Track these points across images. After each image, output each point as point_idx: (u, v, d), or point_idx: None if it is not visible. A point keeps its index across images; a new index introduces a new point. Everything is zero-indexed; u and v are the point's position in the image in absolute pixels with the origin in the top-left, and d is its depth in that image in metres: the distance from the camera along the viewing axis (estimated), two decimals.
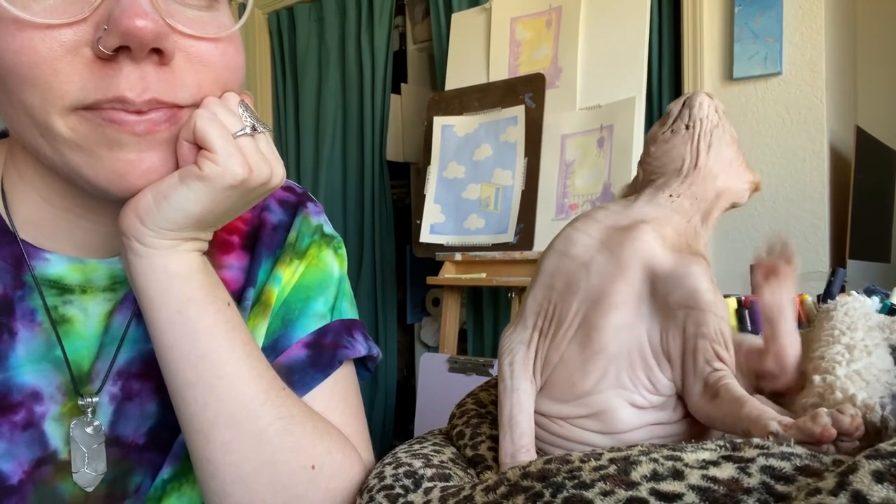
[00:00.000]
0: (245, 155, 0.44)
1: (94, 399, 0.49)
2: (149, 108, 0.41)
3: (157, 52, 0.40)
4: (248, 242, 0.58)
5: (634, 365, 0.45)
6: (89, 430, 0.49)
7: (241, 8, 0.48)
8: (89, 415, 0.49)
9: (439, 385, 1.83)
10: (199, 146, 0.43)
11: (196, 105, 0.44)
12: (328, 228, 0.62)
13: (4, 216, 0.49)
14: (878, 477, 0.27)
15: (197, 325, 0.45)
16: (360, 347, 0.58)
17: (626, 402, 0.45)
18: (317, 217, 0.61)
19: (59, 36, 0.39)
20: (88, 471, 0.49)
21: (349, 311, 0.60)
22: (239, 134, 0.45)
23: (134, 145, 0.42)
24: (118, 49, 0.39)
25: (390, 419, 2.54)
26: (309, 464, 0.48)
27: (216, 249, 0.55)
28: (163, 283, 0.45)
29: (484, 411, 0.55)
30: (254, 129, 0.46)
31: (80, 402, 0.49)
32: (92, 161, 0.42)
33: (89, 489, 0.49)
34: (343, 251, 0.62)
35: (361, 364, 0.61)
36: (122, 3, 0.38)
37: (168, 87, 0.42)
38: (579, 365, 0.46)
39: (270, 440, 0.47)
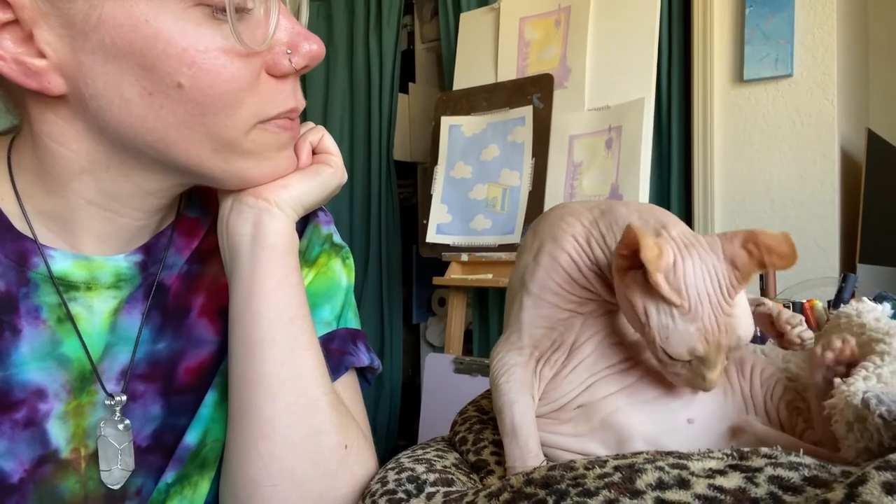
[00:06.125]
0: (344, 167, 0.58)
1: (123, 398, 0.51)
2: (297, 115, 0.51)
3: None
4: None
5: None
6: (120, 427, 0.50)
7: None
8: (118, 413, 0.50)
9: (444, 386, 1.83)
10: (314, 151, 0.56)
11: None
12: (337, 238, 0.63)
13: (15, 213, 0.48)
14: (888, 488, 0.27)
15: (295, 290, 0.51)
16: (364, 357, 0.59)
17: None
18: (327, 227, 0.62)
19: (255, 62, 0.45)
20: (120, 468, 0.50)
21: (353, 321, 0.61)
22: None
23: (288, 144, 0.51)
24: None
25: (395, 419, 2.54)
26: (343, 443, 0.51)
27: None
28: (285, 246, 0.51)
29: (486, 417, 0.55)
30: None
31: (108, 402, 0.50)
32: (261, 163, 0.49)
33: (116, 487, 0.50)
34: (351, 262, 0.63)
35: (361, 375, 0.62)
36: (301, 31, 0.47)
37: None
38: (570, 369, 0.48)
39: (322, 410, 0.50)
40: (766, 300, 0.48)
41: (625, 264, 0.42)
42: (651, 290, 0.40)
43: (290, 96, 0.48)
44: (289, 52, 0.46)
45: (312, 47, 0.47)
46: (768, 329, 0.48)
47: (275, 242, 0.51)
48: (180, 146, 0.45)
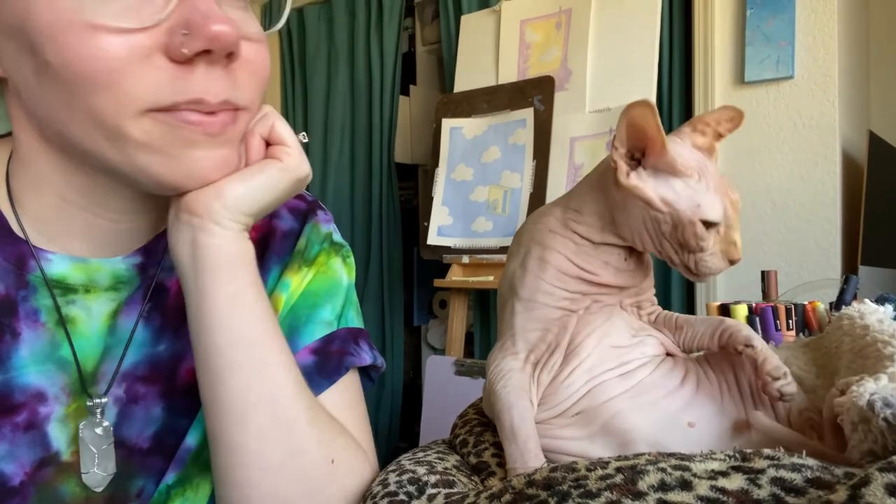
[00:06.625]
0: (304, 156, 0.50)
1: (103, 400, 0.49)
2: (220, 109, 0.43)
3: (229, 54, 0.42)
4: (257, 249, 0.58)
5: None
6: (99, 430, 0.49)
7: (263, 10, 0.50)
8: (98, 415, 0.49)
9: (445, 388, 1.83)
10: (268, 144, 0.49)
11: (247, 107, 0.46)
12: (337, 237, 0.62)
13: (11, 216, 0.49)
14: (892, 490, 0.27)
15: (252, 309, 0.47)
16: (366, 356, 0.58)
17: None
18: (326, 225, 0.62)
19: (136, 40, 0.40)
20: (98, 471, 0.49)
21: (355, 319, 0.61)
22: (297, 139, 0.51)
23: (206, 144, 0.44)
24: (196, 53, 0.41)
25: (396, 421, 2.54)
26: (329, 457, 0.48)
27: None
28: (230, 264, 0.46)
29: (486, 420, 0.55)
30: (304, 137, 0.52)
31: (88, 404, 0.49)
32: (166, 160, 0.43)
33: (98, 489, 0.49)
34: (351, 260, 0.62)
35: (365, 374, 0.61)
36: (201, 9, 0.40)
37: (232, 89, 0.44)
38: (567, 373, 0.48)
39: (300, 429, 0.47)
40: (755, 342, 0.45)
41: (626, 168, 0.45)
42: (660, 178, 0.44)
43: (196, 85, 0.41)
44: (185, 32, 0.40)
45: (215, 28, 0.40)
46: (752, 375, 0.46)
47: (216, 261, 0.46)
48: (74, 131, 0.43)
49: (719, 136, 0.48)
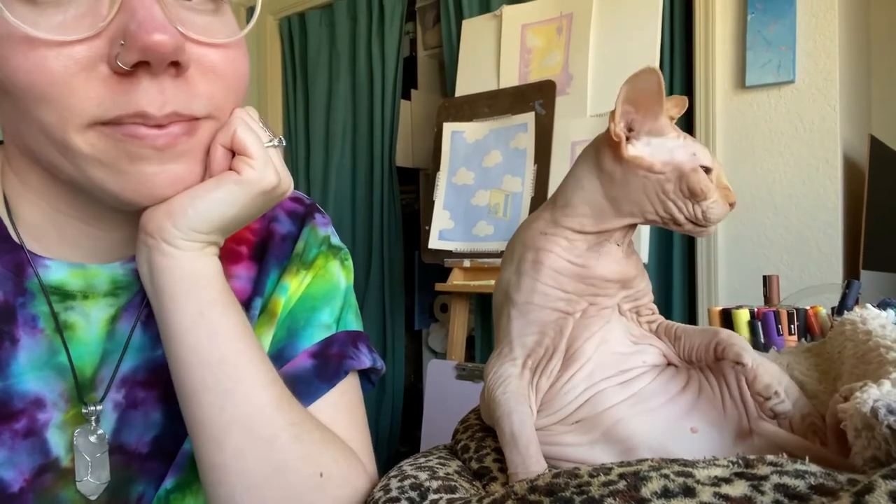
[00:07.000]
0: (274, 164, 0.47)
1: (98, 407, 0.49)
2: (168, 121, 0.41)
3: (174, 63, 0.40)
4: (256, 253, 0.58)
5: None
6: (93, 438, 0.49)
7: (249, 12, 0.48)
8: (93, 423, 0.49)
9: (446, 392, 1.83)
10: (233, 153, 0.46)
11: (210, 116, 0.44)
12: (335, 240, 0.62)
13: (7, 223, 0.49)
14: (895, 497, 0.26)
15: (218, 327, 0.46)
16: (365, 359, 0.58)
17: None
18: (324, 228, 0.61)
19: (74, 53, 0.39)
20: (92, 479, 0.48)
21: (354, 322, 0.60)
22: (268, 145, 0.47)
23: (155, 158, 0.42)
24: (136, 63, 0.39)
25: (397, 425, 2.53)
26: (317, 471, 0.48)
27: (225, 260, 0.55)
28: (188, 284, 0.45)
29: (487, 425, 0.55)
30: (280, 141, 0.49)
31: (84, 410, 0.49)
32: (117, 176, 0.42)
33: (93, 497, 0.49)
34: (349, 263, 0.62)
35: (365, 377, 0.61)
36: (137, 18, 0.38)
37: (185, 100, 0.42)
38: (567, 379, 0.48)
39: (282, 446, 0.46)
40: (745, 358, 0.45)
41: (625, 139, 0.47)
42: (653, 144, 0.47)
43: (139, 98, 0.40)
44: (122, 43, 0.38)
45: (150, 38, 0.38)
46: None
47: (172, 282, 0.45)
48: (32, 143, 0.42)
49: (672, 118, 0.52)
